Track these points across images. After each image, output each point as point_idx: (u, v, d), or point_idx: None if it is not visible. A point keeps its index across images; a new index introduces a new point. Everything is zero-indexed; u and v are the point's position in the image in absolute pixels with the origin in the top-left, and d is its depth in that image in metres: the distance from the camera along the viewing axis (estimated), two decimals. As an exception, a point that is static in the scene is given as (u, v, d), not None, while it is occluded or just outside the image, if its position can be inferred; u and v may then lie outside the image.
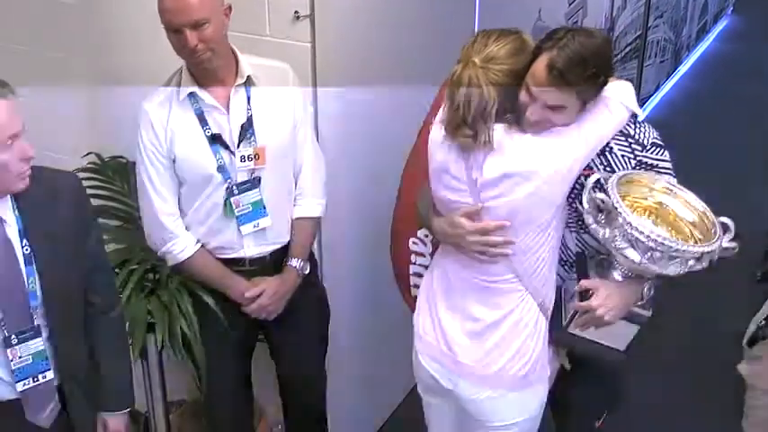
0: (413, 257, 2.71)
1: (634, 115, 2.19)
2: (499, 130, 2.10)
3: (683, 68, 7.32)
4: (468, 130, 2.08)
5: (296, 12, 2.60)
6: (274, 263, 2.60)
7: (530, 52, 2.09)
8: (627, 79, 5.78)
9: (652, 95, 6.57)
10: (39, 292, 1.97)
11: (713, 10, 8.01)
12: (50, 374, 2.03)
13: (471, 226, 2.18)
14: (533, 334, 2.24)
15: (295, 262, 2.60)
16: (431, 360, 2.36)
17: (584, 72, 2.03)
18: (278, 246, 2.60)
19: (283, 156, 2.52)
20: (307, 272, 2.65)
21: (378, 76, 2.84)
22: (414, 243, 2.69)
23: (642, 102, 6.29)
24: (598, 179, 2.12)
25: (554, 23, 4.20)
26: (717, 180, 5.24)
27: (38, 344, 1.99)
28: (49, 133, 2.85)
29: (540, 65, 2.04)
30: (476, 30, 3.24)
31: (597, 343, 2.24)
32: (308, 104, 2.60)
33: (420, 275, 2.63)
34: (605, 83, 2.11)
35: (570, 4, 4.55)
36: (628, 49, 5.73)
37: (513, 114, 2.12)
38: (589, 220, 2.13)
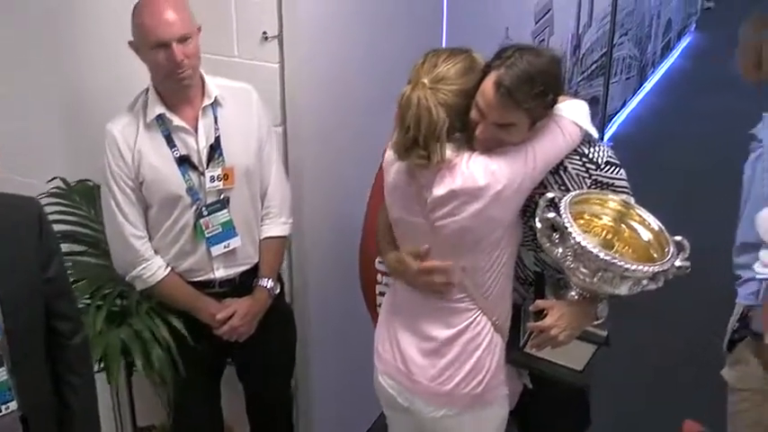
0: (379, 277, 2.72)
1: (589, 134, 2.19)
2: (448, 150, 2.10)
3: (649, 85, 7.42)
4: (421, 151, 2.08)
5: (264, 32, 2.60)
6: (243, 284, 2.58)
7: (480, 71, 2.10)
8: (593, 96, 5.89)
9: (618, 112, 6.65)
10: (0, 322, 1.92)
11: (677, 27, 8.13)
12: (14, 405, 1.98)
13: (417, 266, 2.21)
14: (488, 352, 2.25)
15: (265, 282, 2.59)
16: (388, 378, 2.37)
17: (532, 90, 2.03)
18: (247, 267, 2.59)
19: (251, 176, 2.52)
20: (277, 292, 2.64)
21: (347, 96, 2.85)
22: (380, 263, 2.69)
23: (609, 118, 6.35)
24: (552, 198, 2.12)
25: (521, 42, 4.24)
26: (682, 196, 5.32)
27: (0, 374, 1.94)
28: (17, 156, 2.82)
29: (489, 83, 2.05)
30: (444, 49, 3.27)
31: (555, 363, 2.24)
32: (271, 125, 2.60)
33: (384, 294, 2.63)
34: (555, 101, 2.11)
35: (537, 23, 4.59)
36: (594, 67, 5.79)
37: (462, 133, 2.13)
38: (543, 239, 2.13)
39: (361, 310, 2.83)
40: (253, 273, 2.60)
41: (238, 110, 2.49)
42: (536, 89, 2.03)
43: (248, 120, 2.51)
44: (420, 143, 2.07)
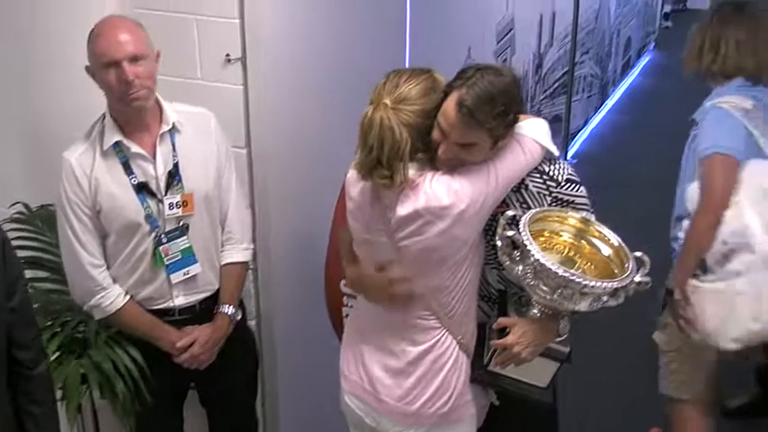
0: (345, 299, 2.71)
1: (550, 152, 2.21)
2: (411, 170, 2.11)
3: (611, 102, 7.53)
4: (384, 171, 2.09)
5: (227, 55, 2.59)
6: (204, 311, 2.56)
7: (441, 91, 2.12)
8: (556, 114, 5.95)
9: (581, 130, 6.73)
10: None
11: (636, 46, 8.28)
12: None
13: (378, 278, 2.22)
14: (454, 371, 2.25)
15: (226, 308, 2.57)
16: (355, 398, 2.37)
17: (493, 110, 2.04)
18: (207, 294, 2.56)
19: (210, 202, 2.50)
20: (239, 318, 2.62)
21: (310, 116, 2.85)
22: (344, 285, 2.69)
23: (571, 136, 6.43)
24: (513, 216, 2.14)
25: (483, 61, 4.28)
26: (645, 211, 5.38)
27: None
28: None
29: (451, 103, 2.06)
30: (407, 69, 3.29)
31: (519, 380, 2.25)
32: (230, 150, 2.58)
33: (350, 316, 2.64)
34: (515, 120, 2.13)
35: (499, 42, 4.64)
36: (556, 85, 5.86)
37: (425, 153, 2.14)
38: (503, 257, 2.14)
39: (328, 330, 2.82)
40: (213, 300, 2.58)
41: (197, 136, 2.47)
42: (497, 109, 2.05)
43: (207, 146, 2.49)
44: (383, 163, 2.08)
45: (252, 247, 2.64)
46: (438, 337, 2.24)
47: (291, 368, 3.01)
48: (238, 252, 2.60)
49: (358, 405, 2.36)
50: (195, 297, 2.54)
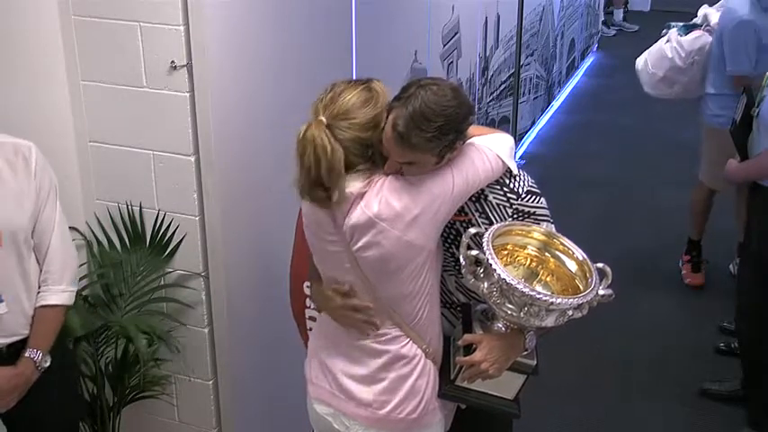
0: (307, 301, 2.70)
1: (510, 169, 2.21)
2: (359, 181, 2.11)
3: (557, 103, 7.62)
4: (320, 190, 2.08)
5: (172, 62, 2.57)
6: (11, 356, 2.36)
7: (381, 101, 2.10)
8: (503, 116, 6.01)
9: (529, 131, 6.80)
10: None
11: (580, 47, 8.40)
12: None
13: (341, 302, 2.21)
14: (422, 376, 2.24)
15: (32, 353, 2.36)
16: (323, 405, 2.34)
17: (426, 132, 2.01)
18: (17, 338, 2.36)
19: (22, 241, 2.32)
20: (47, 365, 2.39)
21: (258, 124, 2.84)
22: (307, 287, 2.67)
23: (519, 137, 6.50)
24: (475, 233, 2.13)
25: (430, 65, 4.32)
26: (592, 208, 5.47)
27: None
28: None
29: (388, 124, 2.05)
30: (354, 76, 3.30)
31: (487, 393, 2.25)
32: (55, 184, 2.40)
33: (314, 319, 2.62)
34: (458, 137, 2.09)
35: (445, 45, 4.68)
36: (503, 87, 5.92)
37: (368, 163, 2.13)
38: (468, 276, 2.13)
39: (288, 336, 2.80)
40: (23, 344, 2.37)
41: (10, 170, 2.30)
42: (431, 132, 2.02)
43: (23, 181, 2.32)
44: (322, 182, 2.06)
45: (73, 289, 2.45)
46: (403, 344, 2.22)
47: (247, 373, 2.99)
48: (54, 295, 2.40)
49: (326, 411, 2.33)
50: (2, 341, 2.34)
